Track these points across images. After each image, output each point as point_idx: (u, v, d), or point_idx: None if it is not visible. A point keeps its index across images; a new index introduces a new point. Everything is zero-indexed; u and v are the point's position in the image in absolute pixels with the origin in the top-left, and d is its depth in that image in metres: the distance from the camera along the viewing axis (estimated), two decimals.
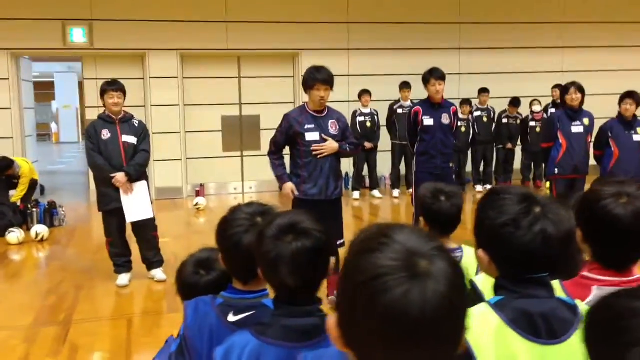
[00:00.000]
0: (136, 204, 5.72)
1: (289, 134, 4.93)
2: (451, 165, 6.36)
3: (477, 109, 10.83)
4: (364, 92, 10.50)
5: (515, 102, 10.97)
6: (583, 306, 1.51)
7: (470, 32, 11.99)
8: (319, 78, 4.80)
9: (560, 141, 6.68)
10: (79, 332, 4.73)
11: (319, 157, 4.93)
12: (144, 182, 5.82)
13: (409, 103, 10.49)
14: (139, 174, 5.74)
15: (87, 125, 5.78)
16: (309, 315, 1.61)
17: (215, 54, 11.11)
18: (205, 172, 11.30)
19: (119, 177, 5.59)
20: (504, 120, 11.05)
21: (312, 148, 4.89)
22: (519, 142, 11.31)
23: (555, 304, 1.50)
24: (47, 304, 5.42)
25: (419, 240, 0.93)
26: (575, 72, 11.65)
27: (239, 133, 11.56)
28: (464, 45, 11.93)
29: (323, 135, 4.94)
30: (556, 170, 6.73)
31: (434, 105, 6.25)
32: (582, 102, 6.69)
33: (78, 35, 10.40)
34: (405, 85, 10.47)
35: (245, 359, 1.57)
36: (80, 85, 24.88)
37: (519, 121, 11.12)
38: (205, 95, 11.25)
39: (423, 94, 10.47)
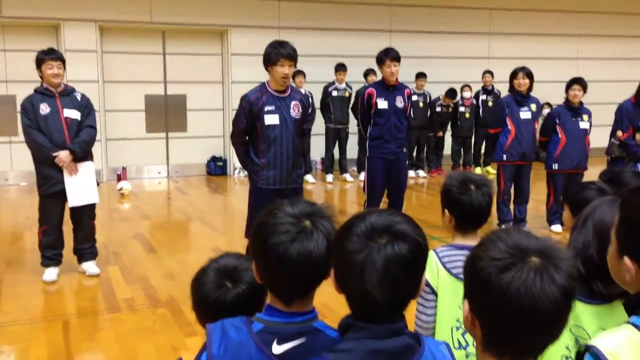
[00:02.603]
0: (81, 187, 5.16)
1: (251, 117, 4.50)
2: (404, 150, 6.14)
3: (414, 93, 10.69)
4: (298, 73, 10.07)
5: (451, 93, 10.92)
6: None
7: (401, 14, 11.87)
8: (283, 53, 4.42)
9: (509, 127, 6.62)
10: (8, 337, 4.13)
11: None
12: (90, 163, 5.29)
13: (343, 85, 10.27)
14: (84, 152, 5.20)
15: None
16: (398, 334, 1.32)
17: (137, 27, 10.37)
18: (127, 155, 10.58)
19: (63, 155, 5.03)
20: (437, 109, 11.01)
21: None
22: (448, 128, 11.35)
23: None
24: None
25: None
26: (502, 59, 11.84)
27: (163, 113, 10.89)
28: (395, 27, 11.80)
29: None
30: (504, 156, 6.67)
31: (388, 88, 5.98)
32: (530, 88, 6.65)
33: None
34: (340, 67, 10.21)
35: None
36: None
37: (450, 109, 11.13)
38: (126, 72, 10.51)
39: (356, 77, 10.37)
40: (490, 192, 2.35)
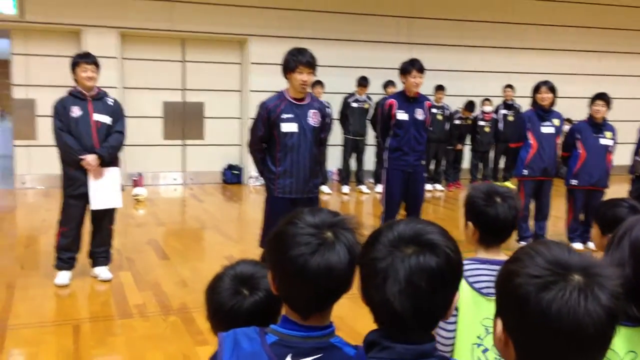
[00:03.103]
0: (104, 190, 5.18)
1: (268, 124, 4.46)
2: (423, 163, 6.07)
3: (433, 106, 10.61)
4: (316, 83, 10.04)
5: (470, 106, 10.87)
6: None
7: (421, 27, 11.81)
8: (302, 60, 4.38)
9: (531, 142, 6.52)
10: (17, 340, 4.09)
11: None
12: (116, 169, 5.31)
13: (363, 97, 10.25)
14: (112, 157, 5.23)
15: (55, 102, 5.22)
16: (425, 357, 1.23)
17: (158, 34, 10.41)
18: (143, 161, 10.59)
19: (90, 159, 5.05)
20: (456, 122, 10.93)
21: None
22: (467, 142, 11.24)
23: None
24: None
25: None
26: (522, 74, 11.72)
27: (181, 120, 10.90)
28: (414, 40, 11.74)
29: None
30: (525, 171, 6.56)
31: (408, 99, 5.92)
32: (552, 102, 6.55)
33: (7, 6, 9.44)
34: (363, 81, 10.19)
35: None
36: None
37: (469, 121, 11.03)
38: (146, 79, 10.54)
39: (374, 88, 10.32)
40: (516, 205, 2.27)
